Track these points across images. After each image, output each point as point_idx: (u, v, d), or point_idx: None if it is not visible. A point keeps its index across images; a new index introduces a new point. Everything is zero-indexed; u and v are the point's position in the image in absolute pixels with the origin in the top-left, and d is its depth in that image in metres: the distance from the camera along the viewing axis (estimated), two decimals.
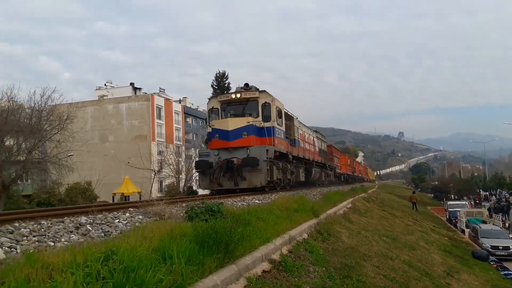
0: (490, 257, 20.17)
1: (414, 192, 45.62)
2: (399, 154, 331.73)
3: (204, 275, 3.86)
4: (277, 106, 15.78)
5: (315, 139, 26.73)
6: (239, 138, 14.19)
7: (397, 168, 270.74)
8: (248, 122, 14.46)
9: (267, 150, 13.85)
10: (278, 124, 15.87)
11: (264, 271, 5.18)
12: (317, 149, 26.71)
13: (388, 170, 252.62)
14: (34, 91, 23.88)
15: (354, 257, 8.13)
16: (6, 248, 3.54)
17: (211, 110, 16.28)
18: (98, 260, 2.95)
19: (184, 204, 7.96)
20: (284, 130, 16.89)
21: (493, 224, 29.00)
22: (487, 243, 23.12)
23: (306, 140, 23.04)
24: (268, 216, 7.54)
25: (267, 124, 14.97)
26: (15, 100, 23.52)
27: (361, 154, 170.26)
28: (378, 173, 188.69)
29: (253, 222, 6.48)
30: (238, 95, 15.50)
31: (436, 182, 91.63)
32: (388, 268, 8.70)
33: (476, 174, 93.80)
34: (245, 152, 13.88)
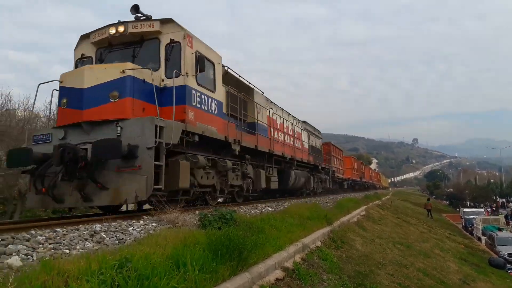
0: (507, 265, 19.72)
1: (428, 199, 44.90)
2: (414, 161, 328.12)
3: (217, 283, 3.86)
4: (198, 52, 8.75)
5: (301, 131, 19.86)
6: (102, 104, 7.43)
7: (411, 175, 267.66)
8: (123, 72, 7.52)
9: (158, 127, 7.10)
10: (201, 85, 8.85)
11: (277, 279, 5.15)
12: (304, 145, 20.00)
13: (402, 177, 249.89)
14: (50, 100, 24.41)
15: (368, 265, 8.03)
16: (23, 256, 3.60)
17: (81, 61, 9.35)
18: (112, 268, 2.97)
19: (197, 212, 7.96)
20: (221, 101, 9.98)
21: (510, 232, 28.33)
22: (504, 251, 22.60)
23: (284, 129, 16.32)
24: (281, 224, 7.52)
25: (169, 83, 8.06)
26: (31, 109, 24.03)
27: (374, 161, 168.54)
28: (392, 180, 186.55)
29: (266, 230, 6.46)
30: (122, 29, 8.61)
31: (451, 189, 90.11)
32: (402, 276, 8.56)
33: (492, 180, 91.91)
34: (113, 131, 7.19)
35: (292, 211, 9.62)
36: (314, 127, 23.93)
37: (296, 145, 17.94)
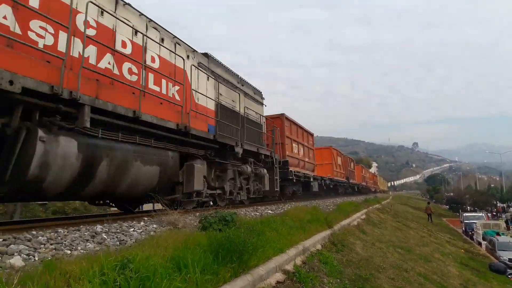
0: (508, 270, 19.70)
1: (429, 203, 44.88)
2: (414, 165, 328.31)
3: (219, 285, 3.86)
4: None
5: (190, 68, 9.43)
6: None
7: (411, 179, 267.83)
8: None
9: None
10: None
11: (278, 282, 5.15)
12: (197, 98, 9.78)
13: (402, 181, 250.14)
14: None
15: (369, 268, 8.02)
16: (24, 256, 3.60)
17: None
18: (114, 269, 2.97)
19: (197, 214, 7.98)
20: None
21: (511, 237, 28.30)
22: (505, 255, 22.58)
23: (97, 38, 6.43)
24: (281, 227, 7.51)
25: None
26: None
27: (374, 164, 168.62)
28: (392, 183, 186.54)
29: (267, 233, 6.46)
30: None
31: (451, 194, 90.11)
32: (403, 280, 8.54)
33: (492, 185, 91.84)
34: None
35: (292, 214, 9.59)
36: (242, 78, 13.15)
37: (142, 83, 7.41)
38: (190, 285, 3.43)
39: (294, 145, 18.98)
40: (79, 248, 4.22)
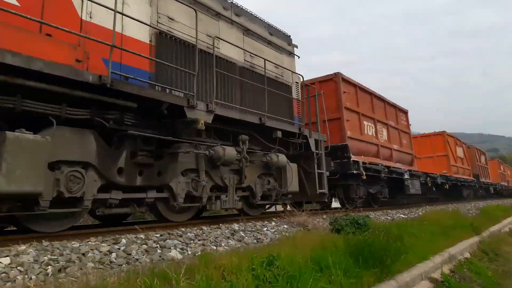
0: None
1: None
2: None
3: None
4: None
5: None
6: None
7: None
8: None
9: None
10: None
11: None
12: (116, 25, 4.46)
13: None
14: None
15: None
16: (179, 250, 3.97)
17: None
18: (261, 265, 3.04)
19: (324, 216, 7.86)
20: None
21: None
22: None
23: None
24: (419, 232, 6.88)
25: None
26: None
27: None
28: None
29: (405, 238, 5.95)
30: None
31: None
32: None
33: None
34: None
35: (431, 219, 8.79)
36: (240, 6, 7.78)
37: None
38: (334, 287, 3.31)
39: (366, 123, 12.41)
40: (223, 244, 4.50)
